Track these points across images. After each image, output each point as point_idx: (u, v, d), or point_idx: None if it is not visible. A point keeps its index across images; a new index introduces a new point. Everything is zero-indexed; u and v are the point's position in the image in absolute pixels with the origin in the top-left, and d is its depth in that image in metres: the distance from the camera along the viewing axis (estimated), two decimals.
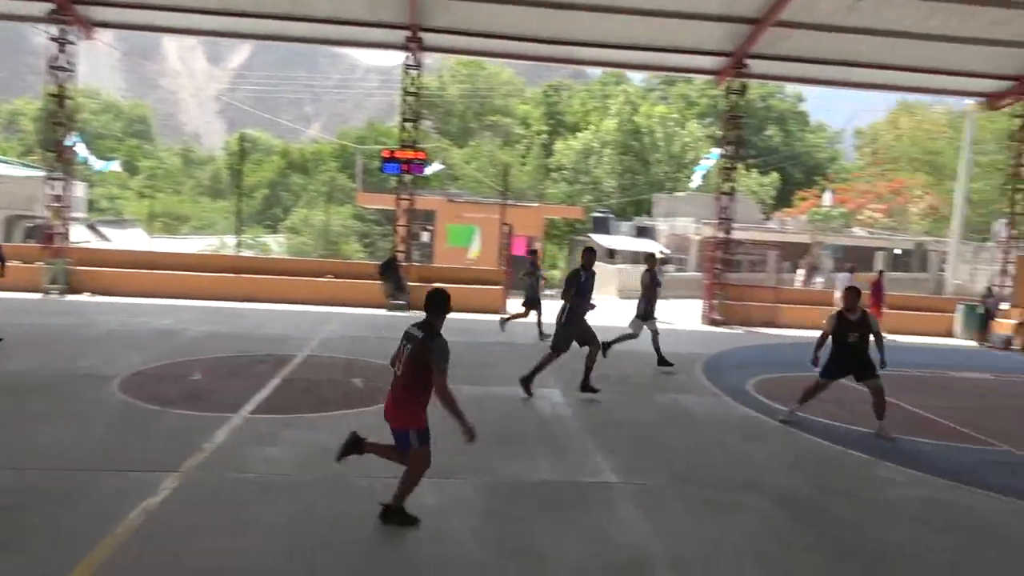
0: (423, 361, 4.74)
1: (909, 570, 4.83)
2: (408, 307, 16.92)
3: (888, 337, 17.48)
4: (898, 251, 33.85)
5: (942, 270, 29.76)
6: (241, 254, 20.41)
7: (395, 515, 4.98)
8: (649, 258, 12.15)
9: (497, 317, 16.71)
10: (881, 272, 19.99)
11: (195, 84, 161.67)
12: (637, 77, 62.65)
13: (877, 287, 17.99)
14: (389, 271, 17.04)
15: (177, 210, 49.56)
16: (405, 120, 17.96)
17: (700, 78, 53.64)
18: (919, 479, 6.74)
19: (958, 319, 19.59)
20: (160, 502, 5.13)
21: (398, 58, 18.02)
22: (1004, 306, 19.18)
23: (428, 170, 22.01)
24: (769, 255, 26.48)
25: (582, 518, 5.32)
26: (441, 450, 6.69)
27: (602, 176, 50.16)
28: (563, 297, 9.29)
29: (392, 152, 17.71)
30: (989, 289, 19.88)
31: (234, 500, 5.31)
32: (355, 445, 5.18)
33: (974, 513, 6.00)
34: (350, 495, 5.53)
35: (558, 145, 52.97)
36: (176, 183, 60.57)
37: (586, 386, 9.24)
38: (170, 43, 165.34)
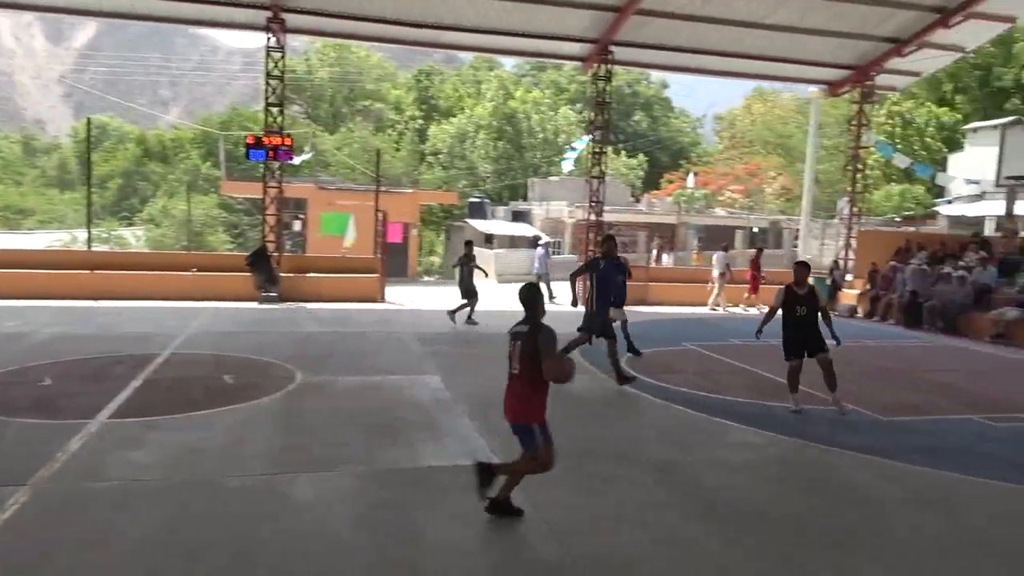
0: (535, 352, 4.76)
1: (775, 527, 5.18)
2: (281, 299, 16.37)
3: (753, 310, 18.67)
4: (756, 229, 36.01)
5: (795, 246, 31.92)
6: (95, 249, 18.98)
7: (502, 508, 4.99)
8: (607, 240, 12.25)
9: (368, 305, 16.51)
10: (760, 249, 21.32)
11: (35, 65, 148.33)
12: (509, 63, 63.12)
13: (755, 263, 19.24)
14: (259, 262, 16.40)
15: (19, 203, 45.45)
16: (270, 105, 17.27)
17: (569, 64, 54.80)
18: (780, 441, 7.24)
19: None
20: (7, 519, 4.74)
21: (261, 40, 17.27)
22: (849, 278, 20.86)
23: (298, 158, 21.30)
24: (639, 236, 27.51)
25: (463, 500, 5.35)
26: (319, 442, 6.59)
27: (477, 161, 50.30)
28: (572, 277, 9.89)
29: (257, 138, 17.00)
30: (835, 262, 21.52)
31: (92, 511, 4.98)
32: (487, 473, 5.02)
33: (827, 470, 6.52)
34: (223, 496, 5.31)
35: (432, 130, 52.61)
36: (17, 173, 55.49)
37: (622, 378, 9.15)
38: (1, 19, 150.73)
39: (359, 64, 55.37)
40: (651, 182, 54.13)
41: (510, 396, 4.97)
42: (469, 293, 14.13)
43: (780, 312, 8.38)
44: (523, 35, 18.51)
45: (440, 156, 51.48)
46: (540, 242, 22.20)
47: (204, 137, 49.65)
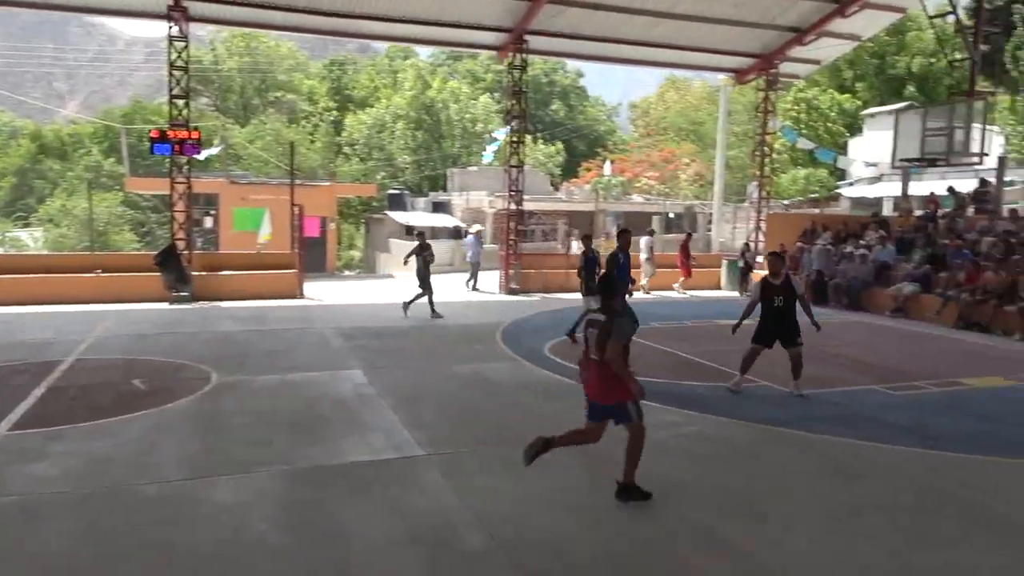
0: (605, 336, 5.06)
1: (697, 501, 5.35)
2: (193, 298, 15.80)
3: (688, 294, 19.15)
4: (671, 215, 36.87)
5: (709, 230, 32.87)
6: None
7: (632, 492, 5.20)
8: (585, 239, 12.44)
9: (287, 301, 16.16)
10: (689, 235, 21.78)
11: None
12: (425, 52, 62.55)
13: (685, 248, 19.78)
14: (168, 261, 15.77)
15: None
16: (175, 97, 16.56)
17: (485, 53, 54.66)
18: (701, 419, 7.46)
19: (723, 274, 21.82)
20: None
21: (163, 29, 16.52)
22: (760, 259, 21.63)
23: (206, 152, 20.55)
24: (559, 224, 27.75)
25: (389, 494, 5.32)
26: (238, 443, 6.41)
27: (396, 152, 49.69)
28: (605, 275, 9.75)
29: (162, 132, 16.30)
30: (746, 245, 22.27)
31: None
32: (546, 446, 5.27)
33: (745, 444, 6.76)
34: (137, 505, 5.11)
35: (349, 120, 51.57)
36: None
37: None
38: None
39: (269, 54, 53.77)
40: (570, 170, 54.69)
41: (597, 381, 5.19)
42: (424, 284, 14.13)
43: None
44: (438, 24, 18.34)
45: (357, 147, 50.61)
46: (471, 231, 22.41)
47: (106, 132, 47.29)
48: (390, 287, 21.20)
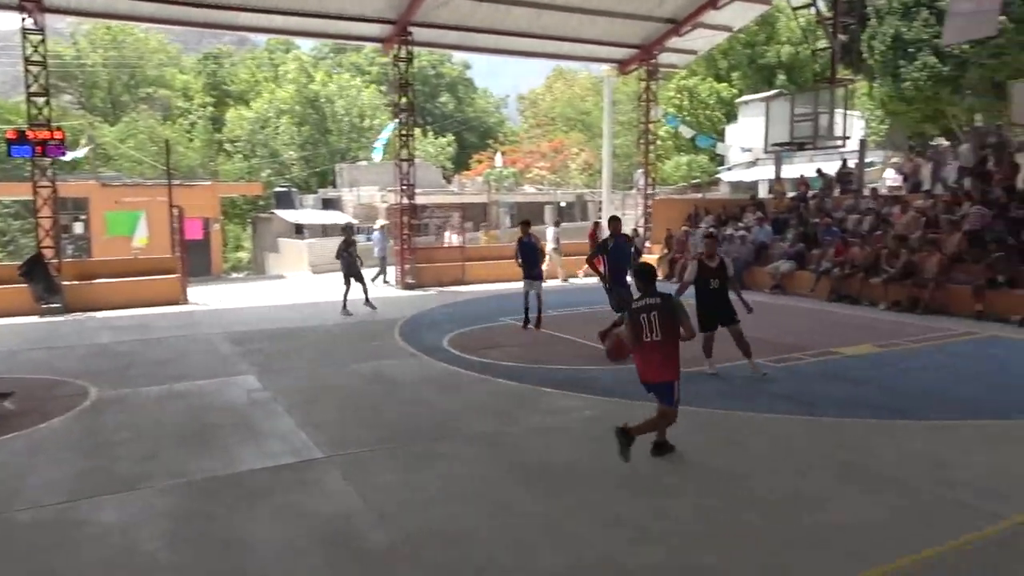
0: (672, 317, 5.58)
1: (596, 483, 5.49)
2: (66, 309, 14.80)
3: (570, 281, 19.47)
4: (563, 204, 37.53)
5: (599, 218, 33.69)
6: None
7: (664, 447, 5.88)
8: (523, 225, 12.44)
9: (170, 308, 15.47)
10: (596, 223, 22.12)
11: None
12: (307, 45, 60.76)
13: (593, 236, 20.08)
14: (34, 271, 14.69)
15: None
16: (33, 95, 15.39)
17: (369, 46, 53.73)
18: (596, 402, 7.65)
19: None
20: None
21: (15, 21, 15.31)
22: (648, 244, 22.36)
23: (72, 153, 19.25)
24: (453, 217, 27.72)
25: (289, 499, 5.19)
26: (123, 460, 6.08)
27: (281, 148, 48.15)
28: (588, 261, 10.53)
29: (20, 132, 15.14)
30: (635, 230, 22.95)
31: None
32: (626, 437, 5.56)
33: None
34: (12, 533, 4.77)
35: (229, 116, 49.45)
36: None
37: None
38: None
39: (138, 47, 50.84)
40: (461, 163, 54.65)
41: (653, 361, 5.63)
42: (358, 278, 14.28)
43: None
44: (319, 15, 17.88)
45: (239, 145, 48.68)
46: (376, 227, 22.53)
47: None
48: (281, 288, 20.60)
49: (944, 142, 22.93)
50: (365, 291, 14.50)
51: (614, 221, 10.76)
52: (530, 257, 11.86)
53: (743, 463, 5.81)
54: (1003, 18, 18.11)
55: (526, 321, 11.91)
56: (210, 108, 51.45)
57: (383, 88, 54.35)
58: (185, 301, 16.38)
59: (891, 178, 20.13)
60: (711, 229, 17.61)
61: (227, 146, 49.17)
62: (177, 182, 21.48)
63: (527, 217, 15.05)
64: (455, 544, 4.51)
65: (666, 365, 5.65)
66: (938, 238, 13.86)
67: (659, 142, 29.14)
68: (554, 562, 4.26)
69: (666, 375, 5.67)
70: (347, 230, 15.06)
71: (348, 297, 14.16)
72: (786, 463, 5.78)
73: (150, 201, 22.87)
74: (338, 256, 14.39)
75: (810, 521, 4.75)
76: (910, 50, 23.66)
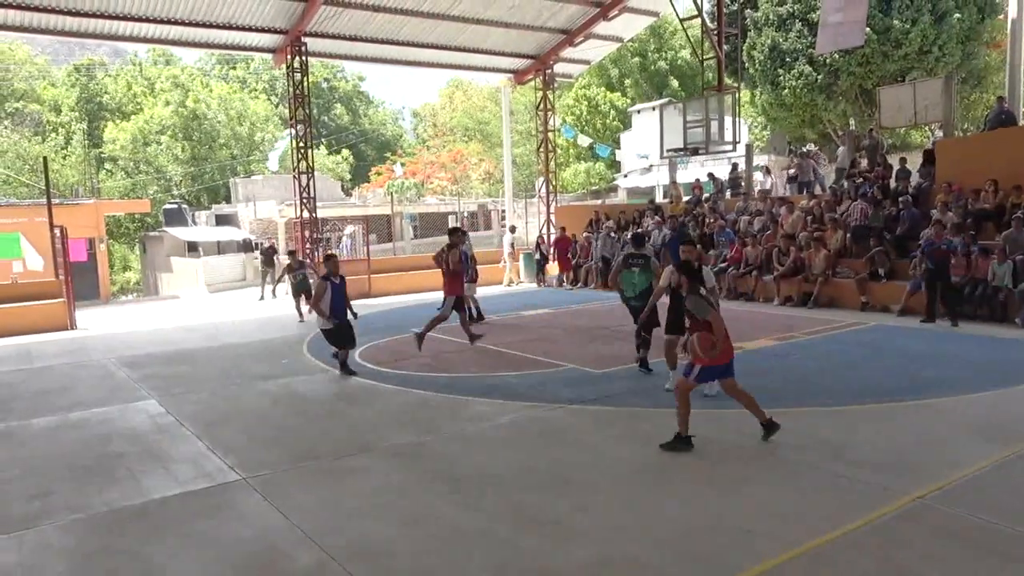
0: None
1: (512, 484, 5.52)
2: None
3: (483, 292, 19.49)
4: (466, 214, 37.62)
5: (502, 226, 33.96)
6: None
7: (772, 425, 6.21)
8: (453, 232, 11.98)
9: (57, 334, 14.57)
10: (563, 229, 22.04)
11: None
12: (192, 56, 58.55)
13: (561, 244, 20.21)
14: None
15: None
16: None
17: (260, 57, 52.27)
18: (510, 407, 7.69)
19: (521, 266, 22.65)
20: None
21: None
22: (551, 251, 22.67)
23: None
24: (356, 230, 27.28)
25: (205, 526, 4.96)
26: (14, 499, 5.65)
27: (166, 164, 46.03)
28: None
29: None
30: (540, 238, 23.28)
31: None
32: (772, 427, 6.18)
33: (553, 424, 7.08)
34: None
35: (108, 131, 46.81)
36: None
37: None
38: None
39: (3, 59, 47.55)
40: (360, 175, 53.95)
41: (728, 343, 6.08)
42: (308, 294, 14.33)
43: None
44: (206, 25, 17.29)
45: (121, 161, 46.21)
46: (347, 232, 23.83)
47: None
48: (177, 309, 19.68)
49: (812, 147, 24.47)
50: (299, 308, 15.00)
51: (455, 233, 11.25)
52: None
53: (657, 456, 5.98)
54: (868, 29, 19.51)
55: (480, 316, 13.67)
56: (83, 123, 48.55)
57: (275, 101, 52.99)
58: (73, 326, 15.41)
59: (759, 181, 21.25)
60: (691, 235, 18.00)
61: (107, 164, 46.60)
62: (57, 201, 20.22)
63: (429, 225, 15.28)
64: (385, 557, 4.44)
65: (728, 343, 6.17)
66: (823, 235, 14.74)
67: (559, 150, 29.67)
68: (485, 566, 4.26)
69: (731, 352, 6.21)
70: (292, 255, 15.81)
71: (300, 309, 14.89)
72: (698, 454, 6.00)
73: (27, 222, 21.39)
74: (287, 278, 15.44)
75: (724, 507, 4.95)
76: (787, 60, 25.11)
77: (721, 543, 4.45)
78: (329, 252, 9.84)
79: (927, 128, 24.14)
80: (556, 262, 20.76)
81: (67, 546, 4.79)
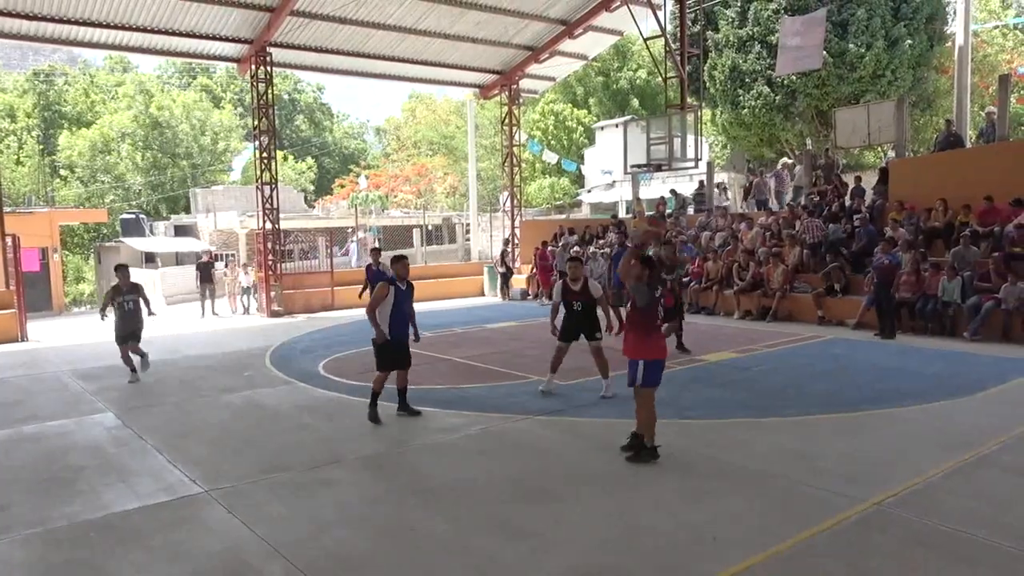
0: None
1: (484, 494, 5.53)
2: None
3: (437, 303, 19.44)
4: (430, 227, 37.57)
5: (467, 239, 33.97)
6: None
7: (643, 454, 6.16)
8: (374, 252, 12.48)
9: (8, 346, 14.16)
10: (545, 243, 21.89)
11: None
12: (151, 64, 57.64)
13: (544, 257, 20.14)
14: None
15: None
16: None
17: (223, 67, 51.72)
18: (482, 418, 7.70)
19: (485, 280, 22.69)
20: None
21: None
22: (517, 264, 22.81)
23: None
24: (319, 241, 27.05)
25: (169, 539, 4.87)
26: None
27: (125, 173, 45.13)
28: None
29: None
30: (504, 251, 23.37)
31: None
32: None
33: (523, 435, 7.10)
34: None
35: (64, 139, 45.74)
36: None
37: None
38: None
39: None
40: (323, 187, 53.56)
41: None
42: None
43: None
44: (170, 32, 17.09)
45: (77, 170, 45.19)
46: (353, 240, 22.70)
47: None
48: None
49: (789, 160, 24.99)
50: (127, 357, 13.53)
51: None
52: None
53: (626, 468, 6.04)
54: (825, 53, 20.07)
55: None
56: (38, 130, 47.42)
57: (239, 111, 52.40)
58: (24, 338, 15.00)
59: (715, 197, 21.67)
60: (575, 250, 18.24)
61: (63, 172, 45.53)
62: (9, 209, 19.69)
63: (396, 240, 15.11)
64: (357, 569, 4.41)
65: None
66: (781, 251, 15.07)
67: (524, 165, 29.87)
68: None
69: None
70: (122, 284, 14.15)
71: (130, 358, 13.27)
72: (664, 464, 6.07)
73: None
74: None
75: (693, 516, 5.02)
76: (747, 80, 25.68)
77: (692, 551, 4.51)
78: (399, 252, 7.93)
79: (880, 148, 24.86)
80: (538, 277, 20.26)
81: (27, 561, 4.66)
